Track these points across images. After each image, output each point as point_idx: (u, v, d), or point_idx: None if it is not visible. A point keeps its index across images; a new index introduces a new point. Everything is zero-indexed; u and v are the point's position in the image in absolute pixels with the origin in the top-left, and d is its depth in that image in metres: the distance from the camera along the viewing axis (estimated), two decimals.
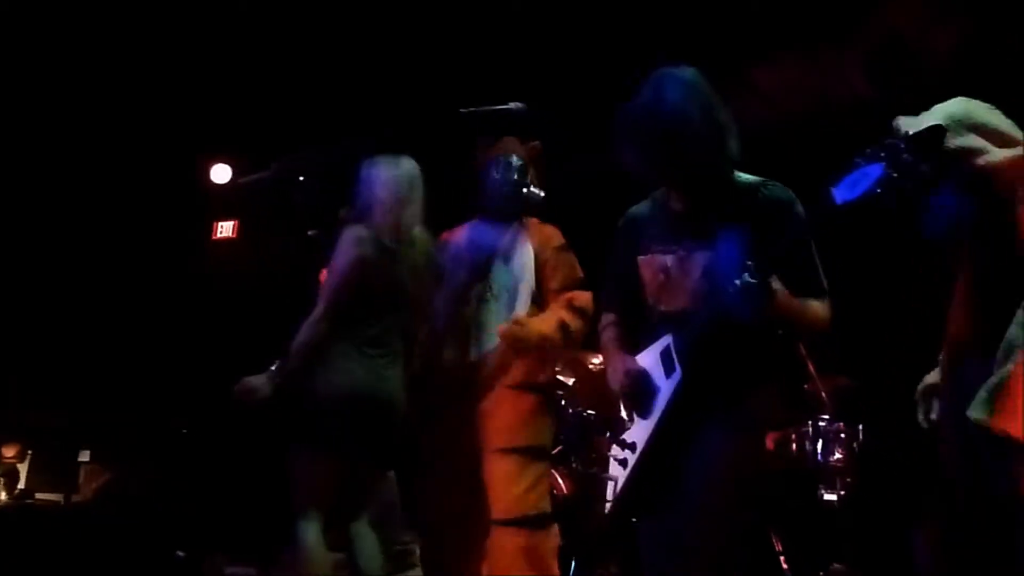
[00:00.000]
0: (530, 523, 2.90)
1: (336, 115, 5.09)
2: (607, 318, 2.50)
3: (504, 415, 2.98)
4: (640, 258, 2.33)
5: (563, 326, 2.99)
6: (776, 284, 2.05)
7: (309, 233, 3.05)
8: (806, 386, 3.95)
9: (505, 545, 2.90)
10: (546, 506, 3.00)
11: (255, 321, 5.13)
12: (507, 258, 3.11)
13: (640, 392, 2.26)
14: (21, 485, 6.50)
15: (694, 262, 2.22)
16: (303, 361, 2.89)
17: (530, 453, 2.98)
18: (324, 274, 3.12)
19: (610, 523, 2.40)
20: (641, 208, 2.43)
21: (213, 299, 6.03)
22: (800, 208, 2.21)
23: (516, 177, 3.12)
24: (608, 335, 2.46)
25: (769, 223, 2.13)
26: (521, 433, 2.98)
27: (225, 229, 6.12)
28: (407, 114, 4.77)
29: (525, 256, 3.11)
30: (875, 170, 1.93)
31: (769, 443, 4.11)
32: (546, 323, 2.99)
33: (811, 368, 3.94)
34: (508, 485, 2.91)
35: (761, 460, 2.35)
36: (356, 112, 5.07)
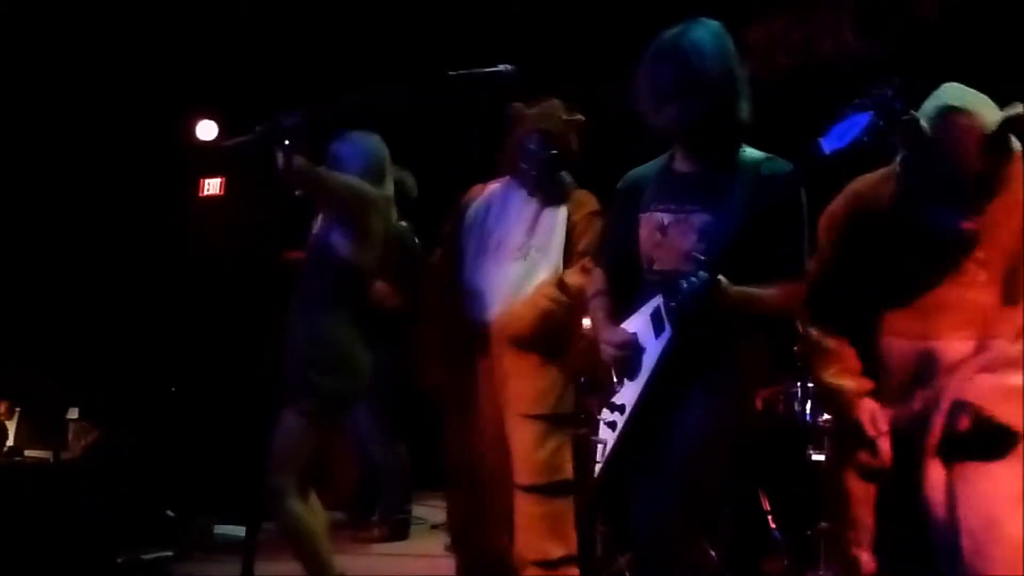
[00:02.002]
0: (551, 490, 2.90)
1: (320, 71, 5.02)
2: (597, 284, 2.48)
3: (528, 380, 2.94)
4: (640, 214, 2.33)
5: (556, 295, 2.94)
6: (725, 282, 2.09)
7: (296, 193, 3.00)
8: (795, 347, 3.93)
9: (528, 511, 2.90)
10: (568, 473, 2.99)
11: (242, 279, 5.09)
12: (538, 220, 3.05)
13: (629, 357, 2.25)
14: (10, 442, 6.49)
15: (692, 224, 2.22)
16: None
17: (553, 420, 2.96)
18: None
19: (600, 485, 2.38)
20: (644, 168, 2.44)
21: (201, 256, 5.99)
22: (800, 188, 2.22)
23: (543, 171, 3.06)
24: (596, 304, 2.44)
25: (767, 198, 2.14)
26: (545, 400, 2.96)
27: (212, 186, 6.05)
28: (394, 74, 4.69)
29: (557, 218, 3.05)
30: (863, 119, 1.95)
31: (758, 403, 4.11)
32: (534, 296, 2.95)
33: (799, 327, 3.91)
34: (531, 451, 2.90)
35: (744, 421, 2.30)
36: (341, 69, 4.99)
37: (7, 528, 3.78)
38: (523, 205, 3.08)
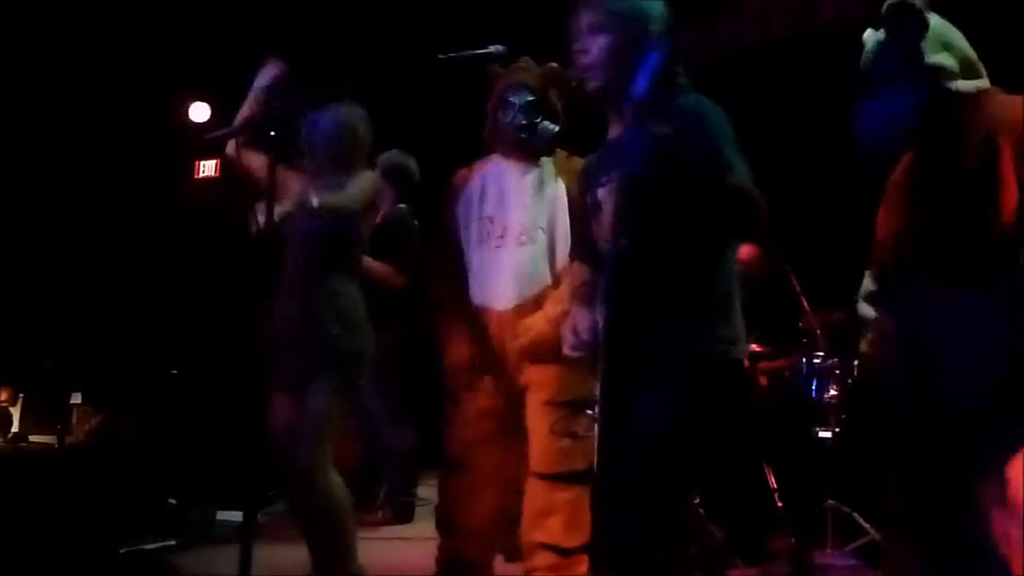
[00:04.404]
0: (571, 478, 2.81)
1: (314, 52, 4.94)
2: (576, 278, 2.36)
3: (550, 367, 2.83)
4: (587, 197, 2.26)
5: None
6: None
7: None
8: (799, 322, 3.88)
9: (546, 498, 2.84)
10: (589, 462, 2.93)
11: (240, 261, 5.05)
12: (536, 197, 2.93)
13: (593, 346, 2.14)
14: (15, 428, 6.52)
15: (612, 191, 2.11)
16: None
17: (576, 407, 2.89)
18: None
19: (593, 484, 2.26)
20: (596, 151, 2.37)
21: (198, 239, 5.95)
22: (710, 106, 2.12)
23: (523, 119, 2.94)
24: (576, 296, 2.30)
25: (681, 131, 2.00)
26: (568, 386, 2.83)
27: (207, 168, 6.02)
28: (386, 56, 4.62)
29: (556, 192, 2.92)
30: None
31: (762, 380, 4.06)
32: (549, 310, 2.84)
33: (804, 303, 3.86)
34: (554, 438, 2.82)
35: (686, 401, 2.07)
36: (334, 51, 4.92)
37: (15, 513, 3.77)
38: (518, 182, 2.96)
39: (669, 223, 2.05)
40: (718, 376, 2.10)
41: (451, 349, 3.01)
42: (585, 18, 2.19)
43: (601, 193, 2.17)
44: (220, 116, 5.82)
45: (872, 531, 3.49)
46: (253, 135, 2.62)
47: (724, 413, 2.14)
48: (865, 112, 2.21)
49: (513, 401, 2.93)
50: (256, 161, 2.93)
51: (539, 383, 2.88)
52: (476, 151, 3.12)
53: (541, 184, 2.95)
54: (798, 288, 3.84)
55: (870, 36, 2.24)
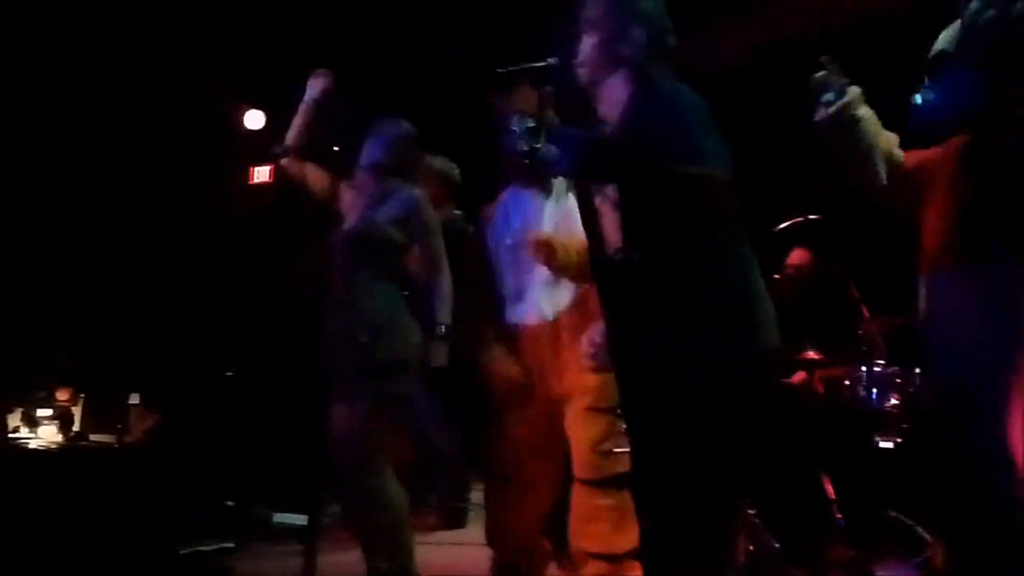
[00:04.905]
0: (615, 483, 2.82)
1: (366, 58, 4.98)
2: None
3: (591, 373, 2.84)
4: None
5: None
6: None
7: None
8: (859, 329, 3.81)
9: (593, 504, 2.85)
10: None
11: (294, 265, 5.11)
12: (552, 216, 3.01)
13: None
14: (76, 428, 6.66)
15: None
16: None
17: (616, 413, 2.91)
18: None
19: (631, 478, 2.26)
20: None
21: (254, 243, 6.04)
22: (686, 102, 2.07)
23: (526, 145, 2.98)
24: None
25: (633, 122, 2.04)
26: (609, 392, 2.87)
27: (261, 174, 6.11)
28: (438, 70, 4.63)
29: (568, 206, 2.98)
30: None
31: (819, 387, 4.00)
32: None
33: (864, 310, 3.79)
34: (597, 444, 2.84)
35: (699, 402, 1.97)
36: (387, 56, 4.94)
37: (76, 510, 3.85)
38: (532, 202, 3.06)
39: (664, 220, 2.01)
40: (733, 372, 1.99)
41: (498, 369, 3.04)
42: (582, 15, 2.24)
43: (598, 200, 2.18)
44: (274, 124, 5.90)
45: (935, 544, 3.41)
46: (310, 147, 2.66)
47: (747, 408, 2.04)
48: (931, 92, 2.15)
49: (552, 411, 2.95)
50: (311, 172, 3.01)
51: (580, 390, 2.89)
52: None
53: (555, 203, 3.03)
54: (857, 294, 3.78)
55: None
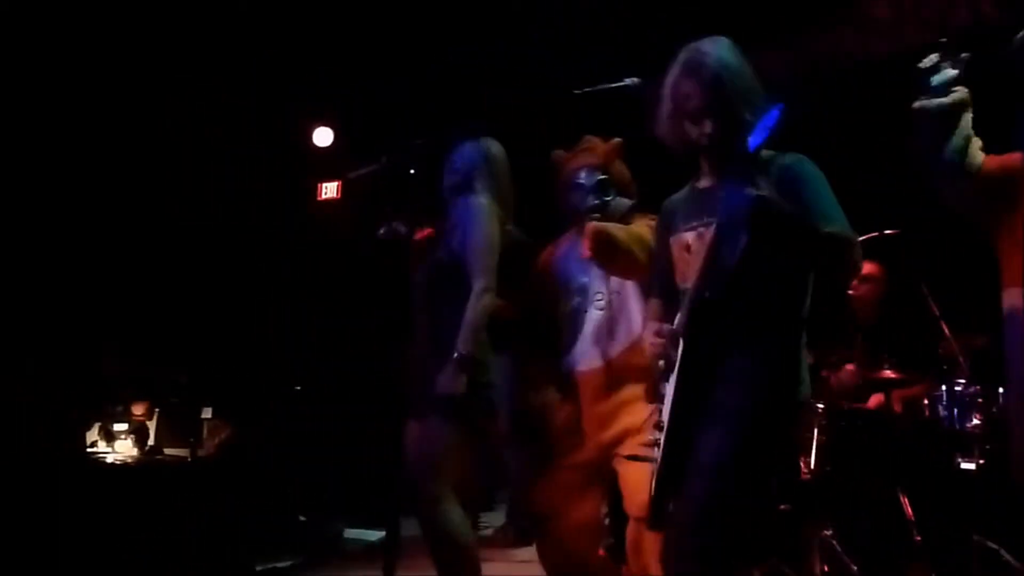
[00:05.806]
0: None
1: (432, 75, 5.02)
2: (651, 314, 2.49)
3: (638, 416, 2.87)
4: (671, 238, 2.38)
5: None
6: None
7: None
8: (940, 347, 3.71)
9: (651, 537, 2.82)
10: None
11: (362, 281, 5.16)
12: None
13: (670, 356, 2.25)
14: (151, 441, 6.80)
15: (708, 237, 2.21)
16: (480, 336, 2.99)
17: None
18: (422, 234, 3.15)
19: (651, 508, 2.33)
20: (679, 193, 2.48)
21: (322, 259, 6.12)
22: (809, 165, 2.25)
23: (596, 199, 3.00)
24: (647, 328, 2.43)
25: (782, 189, 2.11)
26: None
27: (329, 190, 6.19)
28: (512, 94, 4.64)
29: None
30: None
31: (898, 406, 3.90)
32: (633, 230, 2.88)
33: (945, 328, 3.69)
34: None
35: (769, 432, 2.20)
36: (454, 75, 4.97)
37: (152, 523, 3.91)
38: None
39: (757, 275, 2.15)
40: (784, 416, 2.23)
41: (556, 414, 3.06)
42: (693, 65, 2.27)
43: (691, 237, 2.29)
44: (342, 141, 5.98)
45: (1021, 569, 3.30)
46: (392, 171, 2.67)
47: (782, 453, 2.24)
48: None
49: (598, 454, 2.96)
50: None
51: (629, 434, 2.87)
52: None
53: None
54: (937, 311, 3.68)
55: None
